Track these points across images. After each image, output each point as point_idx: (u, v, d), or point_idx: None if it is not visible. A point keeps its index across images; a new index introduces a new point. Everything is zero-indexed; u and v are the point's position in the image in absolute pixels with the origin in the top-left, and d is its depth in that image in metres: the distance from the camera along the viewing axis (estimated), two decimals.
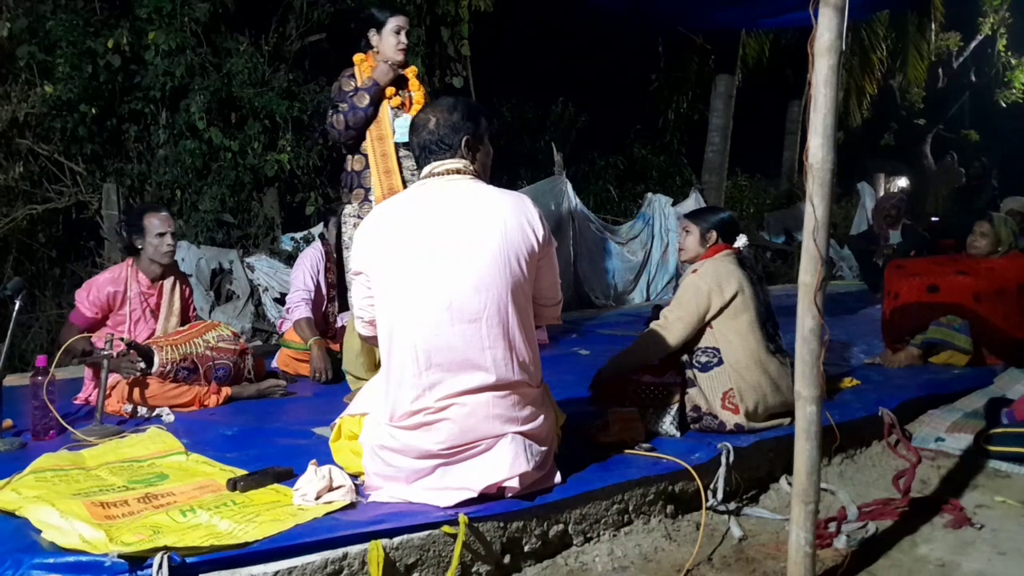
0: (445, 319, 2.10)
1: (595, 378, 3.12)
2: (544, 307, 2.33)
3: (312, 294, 4.08)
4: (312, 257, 4.19)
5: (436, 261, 2.12)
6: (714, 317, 2.89)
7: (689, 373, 2.90)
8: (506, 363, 2.13)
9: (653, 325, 2.99)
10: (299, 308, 4.04)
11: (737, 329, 2.87)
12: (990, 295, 4.02)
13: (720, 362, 2.86)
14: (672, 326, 2.92)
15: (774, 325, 2.98)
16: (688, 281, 2.98)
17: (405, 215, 2.21)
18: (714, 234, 3.05)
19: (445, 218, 2.16)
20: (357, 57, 3.50)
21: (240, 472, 2.39)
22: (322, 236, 4.40)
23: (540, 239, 2.20)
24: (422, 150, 2.28)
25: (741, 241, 3.10)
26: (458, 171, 2.25)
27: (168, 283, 3.61)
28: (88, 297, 3.42)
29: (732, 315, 2.88)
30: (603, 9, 7.78)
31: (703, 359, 2.89)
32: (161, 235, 3.47)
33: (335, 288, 4.21)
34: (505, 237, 2.14)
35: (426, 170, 2.27)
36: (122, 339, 3.22)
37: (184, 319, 3.66)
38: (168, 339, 3.39)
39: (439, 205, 2.19)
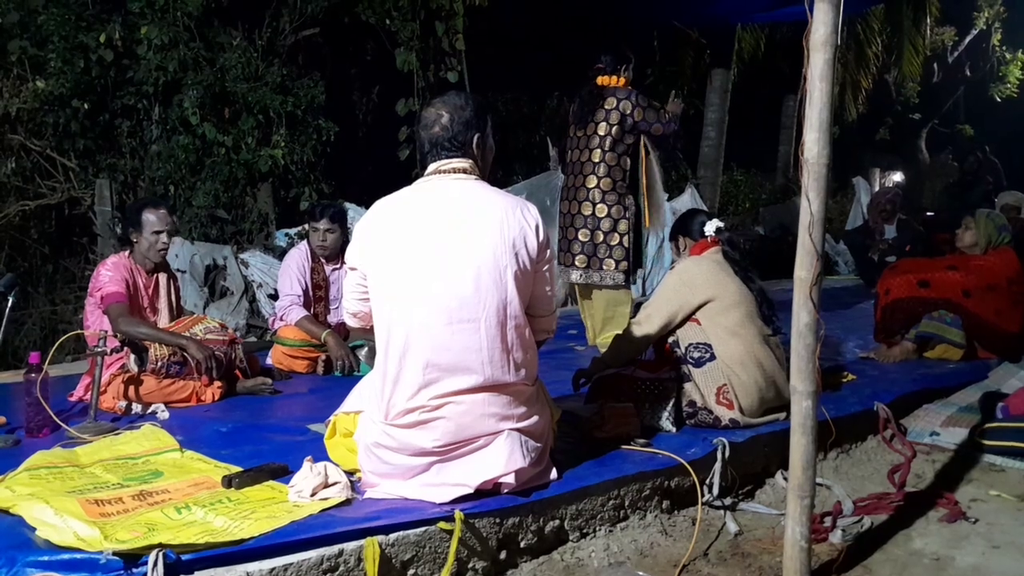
0: (443, 319, 2.10)
1: (577, 375, 3.13)
2: (538, 318, 2.31)
3: (301, 298, 4.07)
4: (297, 260, 4.17)
5: (436, 260, 2.12)
6: (692, 314, 2.93)
7: (684, 368, 2.90)
8: (502, 364, 2.13)
9: (632, 321, 3.06)
10: (293, 311, 4.03)
11: (726, 325, 2.88)
12: (980, 290, 4.04)
13: (712, 357, 2.86)
14: (645, 323, 2.98)
15: (769, 306, 3.01)
16: (664, 278, 3.09)
17: (407, 213, 2.20)
18: (681, 240, 3.21)
19: (447, 218, 2.15)
20: (612, 80, 4.33)
21: (235, 469, 2.38)
22: (305, 235, 4.38)
23: (539, 245, 2.20)
24: (432, 146, 2.24)
25: (710, 228, 3.12)
26: (464, 171, 2.23)
27: (163, 277, 3.64)
28: (109, 277, 3.35)
29: (718, 311, 2.90)
30: (605, 8, 7.79)
31: (696, 354, 2.89)
32: (157, 233, 3.46)
33: (323, 288, 4.20)
34: (506, 240, 2.14)
35: (432, 167, 2.25)
36: (116, 334, 3.21)
37: (173, 314, 3.65)
38: None
39: (442, 204, 2.18)
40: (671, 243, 3.30)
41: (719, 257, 3.04)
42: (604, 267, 4.24)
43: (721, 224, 3.13)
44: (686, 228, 3.22)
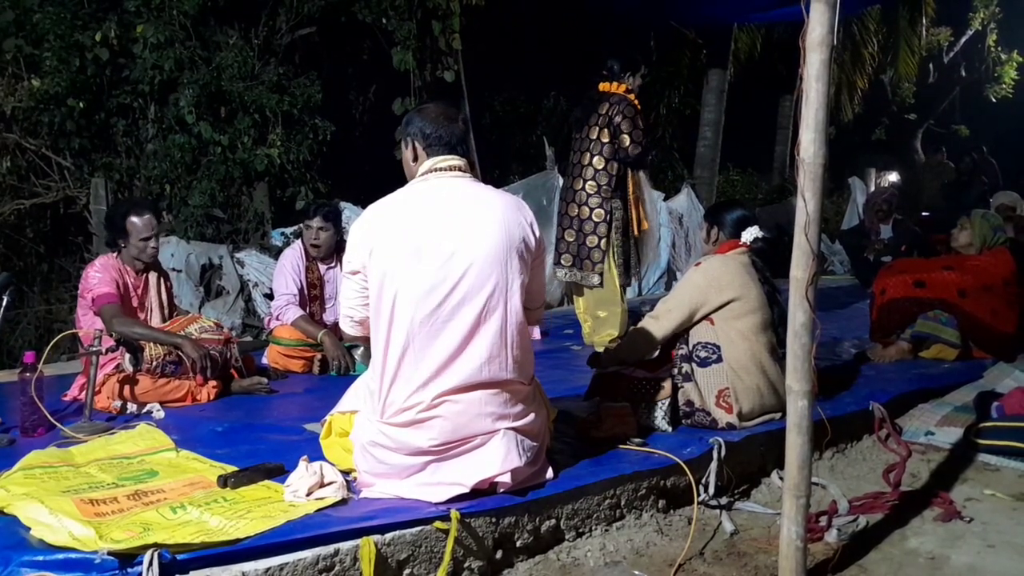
0: (442, 317, 2.10)
1: (592, 357, 3.13)
2: (529, 310, 2.32)
3: (296, 298, 4.07)
4: (291, 259, 4.17)
5: (437, 259, 2.12)
6: (711, 313, 2.89)
7: (687, 367, 2.88)
8: (500, 362, 2.14)
9: (646, 316, 3.01)
10: (288, 311, 4.03)
11: (740, 329, 2.86)
12: (976, 291, 4.05)
13: (719, 359, 2.85)
14: (663, 318, 2.94)
15: (786, 330, 2.94)
16: (687, 274, 3.03)
17: (406, 212, 2.20)
18: (715, 230, 3.11)
19: (448, 216, 2.16)
20: (612, 86, 4.39)
21: (231, 468, 2.38)
22: (300, 234, 4.39)
23: (536, 242, 2.23)
24: (449, 137, 2.24)
25: (748, 235, 3.06)
26: (460, 169, 2.25)
27: (153, 277, 3.62)
28: (99, 279, 3.34)
29: (734, 315, 2.87)
30: (601, 8, 7.82)
31: (703, 354, 2.87)
32: (145, 239, 3.44)
33: (318, 287, 4.20)
34: (505, 238, 2.15)
35: (429, 163, 2.25)
36: (111, 334, 3.20)
37: (165, 313, 3.64)
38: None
39: (442, 203, 2.19)
40: (704, 222, 3.20)
41: (745, 259, 3.00)
42: (584, 267, 4.41)
43: (760, 235, 3.08)
44: (722, 220, 3.11)
